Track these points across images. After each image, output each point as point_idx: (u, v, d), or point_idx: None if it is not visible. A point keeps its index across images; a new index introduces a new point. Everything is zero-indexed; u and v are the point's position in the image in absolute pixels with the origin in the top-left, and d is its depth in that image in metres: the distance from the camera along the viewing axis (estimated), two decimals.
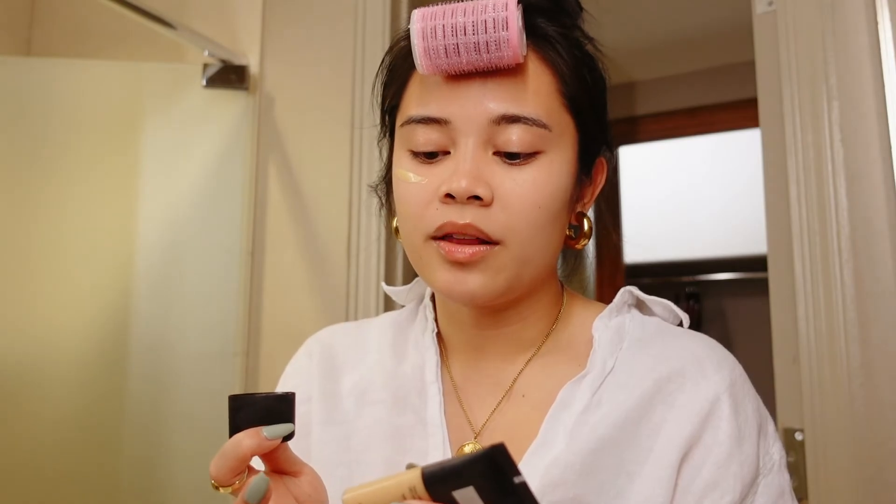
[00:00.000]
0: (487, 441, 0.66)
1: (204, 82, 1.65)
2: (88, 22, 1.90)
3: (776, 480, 0.64)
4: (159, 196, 1.63)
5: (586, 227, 0.69)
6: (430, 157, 0.62)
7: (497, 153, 0.61)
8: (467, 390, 0.69)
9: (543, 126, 0.60)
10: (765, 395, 1.50)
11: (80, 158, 1.63)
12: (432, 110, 0.61)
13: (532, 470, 0.61)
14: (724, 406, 0.63)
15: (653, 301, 0.72)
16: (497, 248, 0.60)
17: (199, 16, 1.75)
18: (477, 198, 0.59)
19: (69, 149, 1.63)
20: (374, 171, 1.59)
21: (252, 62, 1.70)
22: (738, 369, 0.67)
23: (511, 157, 0.60)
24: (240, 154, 1.66)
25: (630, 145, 3.00)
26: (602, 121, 0.68)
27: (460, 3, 0.59)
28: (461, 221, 0.59)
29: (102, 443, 1.53)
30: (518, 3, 0.59)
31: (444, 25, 0.58)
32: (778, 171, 1.31)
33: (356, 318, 1.56)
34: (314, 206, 1.64)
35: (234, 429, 0.54)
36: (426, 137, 0.62)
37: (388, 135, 0.71)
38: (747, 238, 2.99)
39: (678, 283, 3.34)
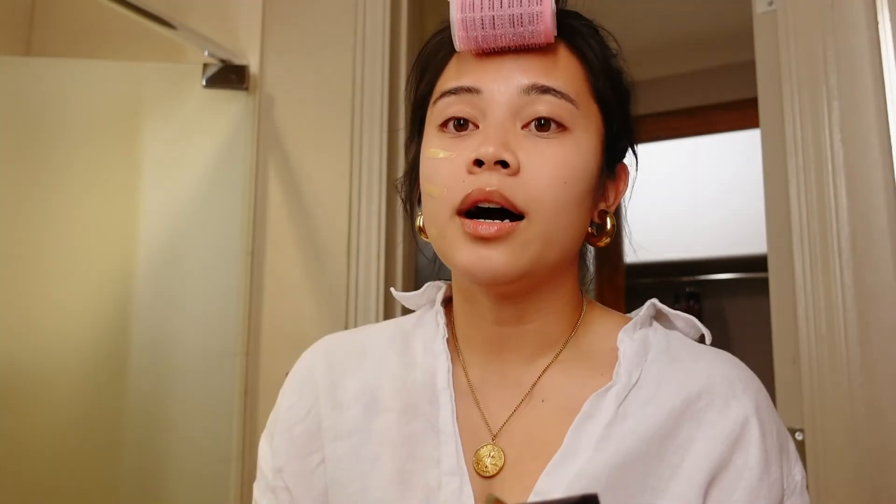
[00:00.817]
0: (505, 444, 0.65)
1: (204, 82, 1.65)
2: (88, 22, 1.90)
3: (799, 501, 0.64)
4: (159, 196, 1.63)
5: (609, 225, 0.69)
6: (459, 128, 0.63)
7: (526, 126, 0.62)
8: (485, 392, 0.68)
9: (572, 101, 0.62)
10: None
11: (80, 158, 1.63)
12: (466, 81, 0.63)
13: (556, 480, 0.60)
14: (753, 429, 0.62)
15: (675, 315, 0.72)
16: (522, 223, 0.60)
17: (199, 16, 1.75)
18: (504, 165, 0.60)
19: (69, 149, 1.62)
20: (374, 171, 1.59)
21: (252, 62, 1.70)
22: (764, 392, 0.68)
23: (540, 129, 0.62)
24: (240, 154, 1.66)
25: None
26: (627, 124, 0.70)
27: None
28: (489, 188, 0.59)
29: (102, 442, 1.53)
30: None
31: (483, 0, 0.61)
32: (778, 171, 1.31)
33: (356, 318, 1.56)
34: (314, 206, 1.64)
35: None
36: (458, 108, 0.63)
37: (417, 133, 0.71)
38: (747, 238, 2.99)
39: (678, 283, 3.34)
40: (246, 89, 1.67)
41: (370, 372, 0.71)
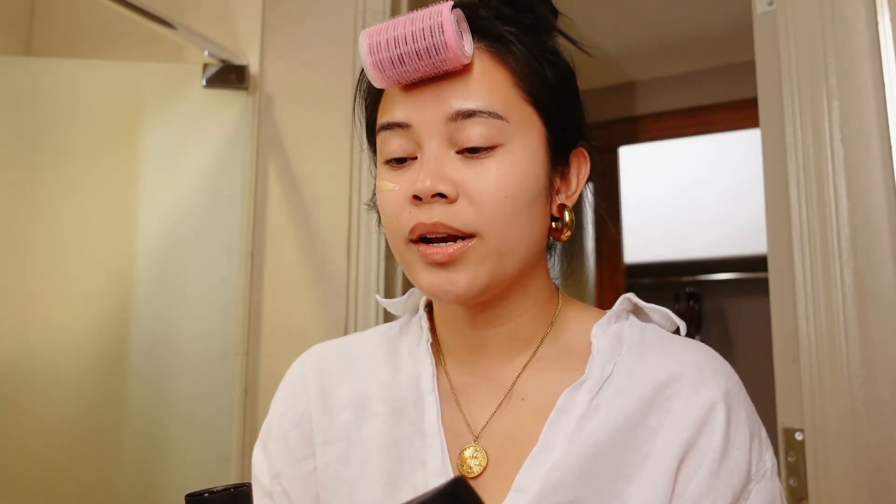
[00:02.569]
0: (487, 444, 0.66)
1: (204, 82, 1.65)
2: (88, 22, 1.90)
3: (768, 487, 0.65)
4: (159, 196, 1.63)
5: (567, 218, 0.69)
6: (400, 162, 0.65)
7: (460, 151, 0.62)
8: (466, 394, 0.69)
9: (499, 118, 0.62)
10: (765, 395, 1.50)
11: (80, 158, 1.63)
12: (396, 116, 0.64)
13: (532, 475, 0.62)
14: (719, 414, 0.64)
15: (651, 308, 0.73)
16: (473, 241, 0.61)
17: (199, 16, 1.75)
18: (442, 196, 0.61)
19: (69, 149, 1.63)
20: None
21: (252, 62, 1.70)
22: (735, 378, 0.68)
23: (472, 152, 0.62)
24: (240, 154, 1.66)
25: (630, 145, 3.00)
26: (572, 114, 0.69)
27: (402, 17, 0.62)
28: (430, 221, 0.61)
29: (102, 442, 1.53)
30: (454, 7, 0.61)
31: (387, 39, 0.62)
32: (778, 171, 1.31)
33: (356, 318, 1.56)
34: (314, 206, 1.64)
35: None
36: (394, 144, 0.65)
37: (373, 149, 0.72)
38: (747, 238, 2.99)
39: (678, 283, 3.34)
40: (246, 89, 1.67)
41: (359, 378, 0.73)
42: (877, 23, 1.21)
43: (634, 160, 3.09)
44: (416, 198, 0.62)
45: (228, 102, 1.67)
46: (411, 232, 0.63)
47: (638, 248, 3.18)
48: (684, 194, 3.28)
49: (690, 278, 3.31)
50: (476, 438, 0.67)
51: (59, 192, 1.60)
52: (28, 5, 1.98)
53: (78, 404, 1.53)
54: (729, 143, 3.02)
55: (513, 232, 0.62)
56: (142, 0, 1.45)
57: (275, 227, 1.66)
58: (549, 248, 0.74)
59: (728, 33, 2.49)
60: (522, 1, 0.69)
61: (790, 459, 1.24)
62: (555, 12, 0.73)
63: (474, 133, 0.62)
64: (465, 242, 0.61)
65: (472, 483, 0.64)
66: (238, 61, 1.68)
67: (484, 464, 0.65)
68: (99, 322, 1.57)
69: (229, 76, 1.66)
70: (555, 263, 0.75)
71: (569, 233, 0.69)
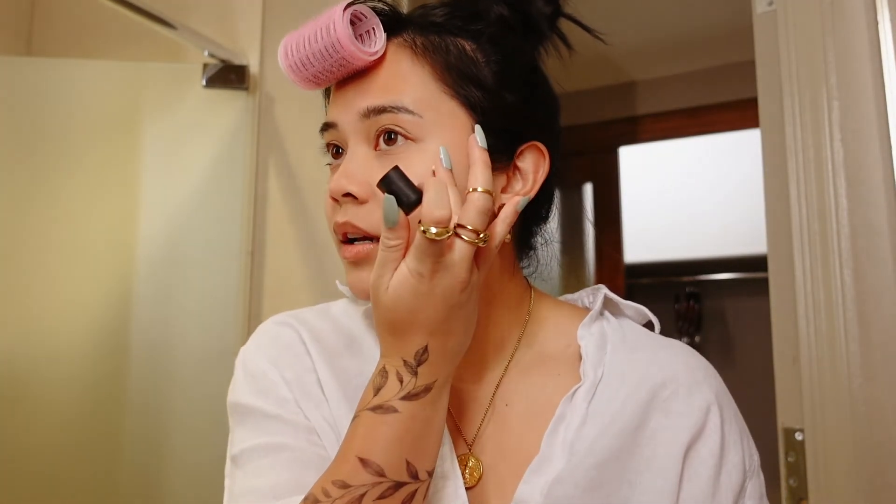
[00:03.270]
0: (479, 452, 0.65)
1: (204, 82, 1.65)
2: (88, 22, 1.90)
3: (757, 481, 0.66)
4: (159, 196, 1.63)
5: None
6: (336, 156, 0.66)
7: (377, 147, 0.62)
8: (452, 402, 0.66)
9: (410, 112, 0.61)
10: (765, 395, 1.50)
11: (80, 158, 1.63)
12: (327, 116, 0.67)
13: (534, 487, 0.60)
14: (714, 416, 0.65)
15: (626, 305, 0.72)
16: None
17: (199, 16, 1.75)
18: (353, 196, 0.61)
19: (69, 149, 1.63)
20: None
21: (252, 62, 1.70)
22: (719, 377, 0.70)
23: (389, 142, 0.62)
24: (240, 154, 1.66)
25: (630, 145, 3.00)
26: (520, 109, 0.65)
27: (311, 20, 0.64)
28: (341, 220, 0.62)
29: (103, 442, 1.53)
30: (349, 5, 0.62)
31: (297, 42, 0.64)
32: (778, 171, 1.31)
33: None
34: (314, 206, 1.64)
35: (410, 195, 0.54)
36: (327, 142, 0.67)
37: None
38: (747, 238, 2.99)
39: (678, 283, 3.34)
40: (246, 89, 1.67)
41: (363, 359, 0.68)
42: (877, 23, 1.21)
43: (634, 160, 3.08)
44: (333, 198, 0.63)
45: (228, 102, 1.67)
46: (335, 232, 0.64)
47: (638, 248, 3.18)
48: (684, 194, 3.28)
49: (690, 278, 3.31)
50: (470, 447, 0.66)
51: (59, 192, 1.60)
52: (28, 5, 1.98)
53: (78, 404, 1.53)
54: (729, 143, 3.02)
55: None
56: (142, 0, 1.45)
57: (275, 227, 1.66)
58: (529, 246, 0.72)
59: (728, 33, 2.49)
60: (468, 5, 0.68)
61: (790, 459, 1.24)
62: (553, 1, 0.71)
63: (387, 128, 0.61)
64: (371, 244, 0.61)
65: (470, 493, 0.63)
66: (238, 61, 1.68)
67: (479, 473, 0.64)
68: (99, 322, 1.56)
69: (229, 76, 1.66)
70: (534, 262, 0.73)
71: (508, 234, 0.63)
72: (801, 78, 1.28)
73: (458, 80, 0.63)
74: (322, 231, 1.63)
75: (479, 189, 0.55)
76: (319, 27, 0.62)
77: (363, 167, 0.62)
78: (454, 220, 0.54)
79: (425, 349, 0.55)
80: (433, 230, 0.52)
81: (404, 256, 0.55)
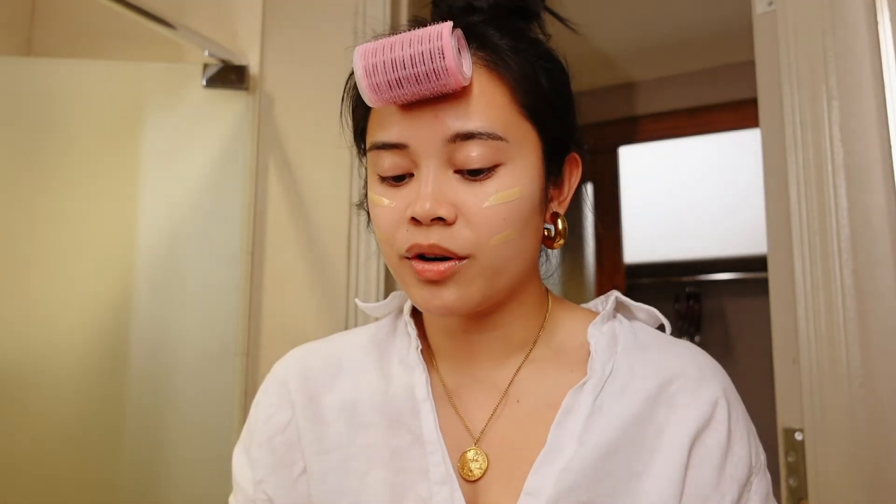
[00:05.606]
0: (487, 446, 0.66)
1: (204, 82, 1.65)
2: (88, 22, 1.90)
3: (764, 479, 0.67)
4: (159, 196, 1.63)
5: (560, 226, 0.69)
6: (397, 180, 0.64)
7: (458, 171, 0.62)
8: (462, 397, 0.69)
9: (499, 139, 0.61)
10: (765, 395, 1.49)
11: (80, 158, 1.63)
12: (391, 136, 0.63)
13: (543, 478, 0.62)
14: (721, 410, 0.66)
15: (637, 307, 0.74)
16: (466, 262, 0.61)
17: (199, 16, 1.75)
18: (441, 219, 0.60)
19: (69, 149, 1.63)
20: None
21: (252, 62, 1.70)
22: (727, 377, 0.71)
23: (472, 174, 0.61)
24: (240, 154, 1.66)
25: (630, 145, 3.00)
26: (566, 121, 0.69)
27: (398, 37, 0.60)
28: (426, 243, 0.61)
29: (102, 442, 1.53)
30: (454, 28, 0.60)
31: (384, 61, 0.59)
32: (778, 171, 1.31)
33: (356, 318, 1.56)
34: (314, 206, 1.64)
35: None
36: (390, 162, 0.63)
37: (363, 155, 0.71)
38: (747, 238, 2.99)
39: (678, 283, 3.34)
40: (246, 89, 1.67)
41: (348, 386, 0.72)
42: (877, 23, 1.21)
43: (634, 160, 3.09)
44: (415, 220, 0.61)
45: (228, 102, 1.67)
46: (408, 251, 0.62)
47: (638, 248, 3.18)
48: (684, 194, 3.28)
49: (690, 278, 3.31)
50: (476, 441, 0.67)
51: (59, 192, 1.60)
52: (28, 5, 1.98)
53: (78, 404, 1.53)
54: (729, 143, 3.02)
55: (508, 252, 0.62)
56: (142, 0, 1.45)
57: (275, 227, 1.66)
58: (545, 252, 0.74)
59: (728, 33, 2.49)
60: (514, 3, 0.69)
61: (790, 459, 1.24)
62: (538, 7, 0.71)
63: (473, 154, 0.60)
64: (459, 262, 0.61)
65: (473, 486, 0.64)
66: (238, 61, 1.68)
67: (484, 467, 0.65)
68: (99, 322, 1.56)
69: (229, 76, 1.66)
70: (549, 266, 0.75)
71: (562, 241, 0.69)
72: (801, 78, 1.28)
73: (531, 97, 0.64)
74: (322, 231, 1.63)
75: None
76: (420, 50, 0.58)
77: (448, 189, 0.61)
78: None
79: None
80: None
81: None
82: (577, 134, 0.71)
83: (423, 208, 0.60)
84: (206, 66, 1.66)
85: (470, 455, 0.66)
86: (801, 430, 1.22)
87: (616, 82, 2.93)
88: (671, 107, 2.84)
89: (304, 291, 1.62)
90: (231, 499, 0.74)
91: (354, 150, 0.75)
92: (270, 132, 1.69)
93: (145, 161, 1.63)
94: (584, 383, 0.66)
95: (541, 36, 0.71)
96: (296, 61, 1.70)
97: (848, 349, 1.18)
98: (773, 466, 1.09)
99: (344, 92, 0.73)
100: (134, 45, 1.82)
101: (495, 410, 0.68)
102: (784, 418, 1.26)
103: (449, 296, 0.62)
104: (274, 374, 0.77)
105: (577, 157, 0.71)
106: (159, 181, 1.63)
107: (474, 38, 0.64)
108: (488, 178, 0.61)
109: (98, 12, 1.83)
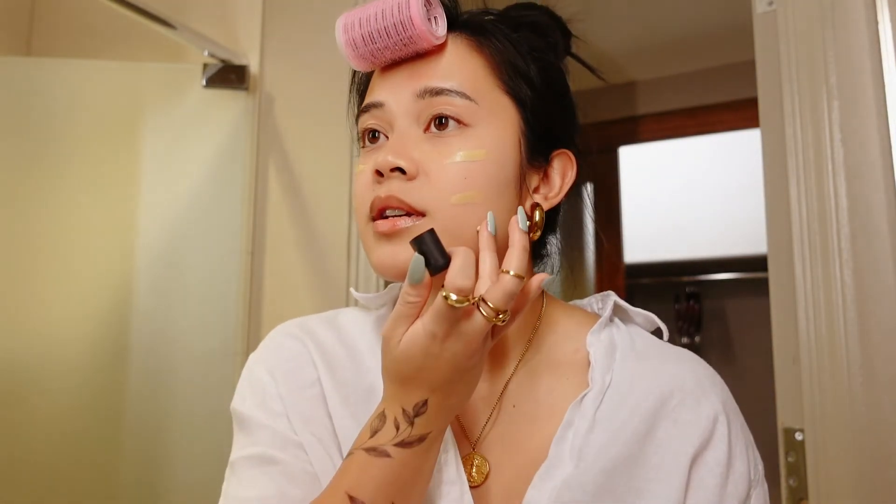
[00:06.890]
0: (486, 452, 0.66)
1: (204, 82, 1.65)
2: (88, 22, 1.90)
3: (762, 490, 0.66)
4: (159, 196, 1.63)
5: (537, 217, 0.66)
6: (373, 140, 0.66)
7: (428, 129, 0.63)
8: None
9: (468, 98, 0.63)
10: (765, 395, 1.50)
11: (80, 158, 1.63)
12: (372, 97, 0.66)
13: (543, 492, 0.61)
14: (721, 426, 0.65)
15: (635, 312, 0.73)
16: (423, 219, 0.61)
17: (199, 16, 1.75)
18: (401, 171, 0.61)
19: (69, 149, 1.63)
20: None
21: (252, 62, 1.70)
22: (726, 387, 0.70)
23: (440, 127, 0.62)
24: (240, 154, 1.66)
25: (630, 145, 3.00)
26: (556, 115, 0.69)
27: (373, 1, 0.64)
28: (385, 194, 0.61)
29: (102, 441, 1.53)
30: None
31: (359, 18, 0.64)
32: (778, 171, 1.31)
33: None
34: (314, 206, 1.64)
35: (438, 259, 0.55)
36: (369, 122, 0.66)
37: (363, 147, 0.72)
38: (747, 238, 2.99)
39: (678, 283, 3.34)
40: (246, 89, 1.67)
41: (366, 369, 0.69)
42: (877, 23, 1.21)
43: (634, 160, 3.08)
44: (378, 173, 0.62)
45: (228, 102, 1.67)
46: (371, 208, 0.62)
47: (638, 248, 3.18)
48: (684, 194, 3.28)
49: (690, 278, 3.31)
50: (475, 446, 0.66)
51: (60, 192, 1.60)
52: (28, 5, 1.98)
53: (78, 403, 1.53)
54: (729, 143, 3.02)
55: (468, 216, 0.61)
56: (142, 0, 1.45)
57: (275, 227, 1.66)
58: (541, 253, 0.73)
59: (728, 33, 2.49)
60: (527, 18, 0.70)
61: (790, 459, 1.24)
62: (566, 34, 0.74)
63: (441, 109, 0.62)
64: (413, 218, 0.61)
65: (476, 492, 0.63)
66: (238, 61, 1.68)
67: (486, 472, 0.64)
68: (99, 322, 1.57)
69: (229, 76, 1.66)
70: (552, 267, 0.74)
71: (537, 233, 0.66)
72: (801, 78, 1.28)
73: (512, 75, 0.66)
74: (322, 231, 1.63)
75: (512, 272, 0.55)
76: (389, 4, 0.62)
77: (413, 146, 0.62)
78: (480, 292, 0.54)
79: (425, 403, 0.56)
80: (453, 297, 0.52)
81: (420, 314, 0.55)
82: (574, 134, 0.71)
83: (385, 158, 0.61)
84: (205, 66, 1.66)
85: (476, 460, 0.65)
86: (801, 430, 1.22)
87: (616, 82, 2.93)
88: (671, 107, 2.83)
89: (304, 291, 1.62)
90: (236, 454, 0.67)
91: (354, 150, 0.75)
92: (270, 132, 1.69)
93: (145, 161, 1.63)
94: (585, 395, 0.65)
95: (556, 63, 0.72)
96: (296, 61, 1.70)
97: (848, 349, 1.18)
98: (773, 466, 1.09)
99: (350, 87, 0.74)
100: (134, 45, 1.82)
101: (491, 415, 0.67)
102: (784, 418, 1.26)
103: (400, 252, 0.60)
104: (285, 332, 0.74)
105: (572, 156, 0.70)
106: (159, 181, 1.63)
107: (462, 20, 0.67)
108: (453, 136, 0.62)
109: (98, 12, 1.83)
